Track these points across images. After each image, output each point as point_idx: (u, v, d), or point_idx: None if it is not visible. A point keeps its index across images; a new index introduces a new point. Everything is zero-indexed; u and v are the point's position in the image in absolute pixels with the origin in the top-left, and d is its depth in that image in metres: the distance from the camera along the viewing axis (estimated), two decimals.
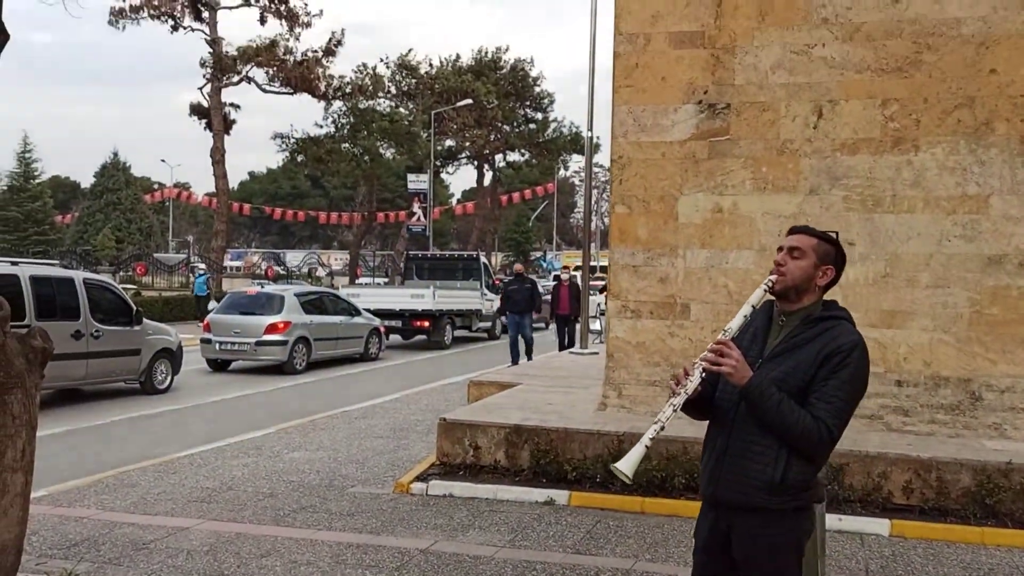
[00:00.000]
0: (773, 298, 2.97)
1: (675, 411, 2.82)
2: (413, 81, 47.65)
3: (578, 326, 16.25)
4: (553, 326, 17.19)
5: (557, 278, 19.89)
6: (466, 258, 26.19)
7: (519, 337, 16.17)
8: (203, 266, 32.46)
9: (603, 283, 19.37)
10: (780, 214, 8.00)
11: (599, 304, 21.91)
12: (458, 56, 51.05)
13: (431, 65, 48.78)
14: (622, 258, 8.43)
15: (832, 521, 5.97)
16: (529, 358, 15.85)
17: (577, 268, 21.01)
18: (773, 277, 2.89)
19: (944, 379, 7.65)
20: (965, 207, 7.66)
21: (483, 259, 25.76)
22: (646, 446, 2.82)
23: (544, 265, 61.27)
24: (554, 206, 71.03)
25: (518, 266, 18.43)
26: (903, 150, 7.78)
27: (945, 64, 7.68)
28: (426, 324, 20.78)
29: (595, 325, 16.43)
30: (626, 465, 2.79)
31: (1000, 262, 7.59)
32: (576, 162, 63.38)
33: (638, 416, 7.88)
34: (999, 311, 7.59)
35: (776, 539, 2.81)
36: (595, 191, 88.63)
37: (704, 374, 2.81)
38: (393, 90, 47.11)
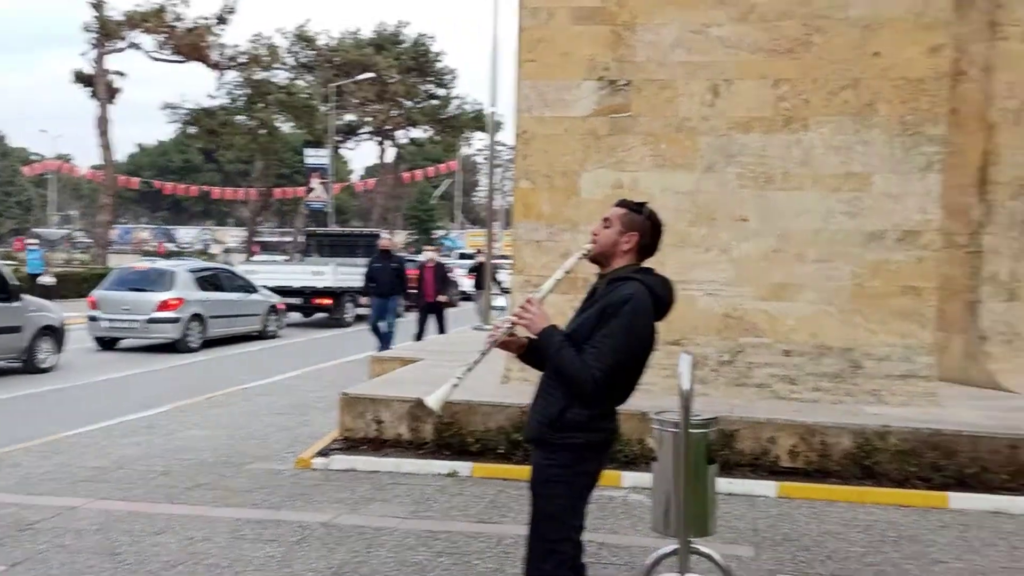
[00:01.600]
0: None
1: (483, 355, 3.26)
2: (312, 53, 46.62)
3: (447, 313, 15.03)
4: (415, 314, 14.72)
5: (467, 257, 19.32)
6: (368, 235, 25.88)
7: (381, 322, 13.86)
8: (36, 240, 29.79)
9: (472, 262, 19.03)
10: (678, 190, 8.19)
11: (501, 282, 22.01)
12: (358, 29, 50.29)
13: (330, 37, 47.84)
14: (526, 233, 8.49)
15: (723, 484, 6.17)
16: (387, 347, 13.62)
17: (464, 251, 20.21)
18: (588, 245, 3.27)
19: (828, 349, 8.01)
20: (849, 185, 8.00)
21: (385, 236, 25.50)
22: (454, 384, 3.25)
23: (448, 244, 61.07)
24: (458, 184, 70.77)
25: (382, 242, 15.10)
26: (793, 129, 8.07)
27: (832, 46, 7.98)
28: (327, 302, 20.48)
29: (499, 301, 16.51)
30: (433, 400, 3.23)
31: (880, 238, 7.96)
32: (480, 140, 63.39)
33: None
34: (879, 284, 7.98)
35: (551, 471, 3.18)
36: (498, 169, 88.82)
37: (510, 326, 3.24)
38: (291, 61, 46.01)
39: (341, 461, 7.05)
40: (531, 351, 3.33)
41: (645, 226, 3.25)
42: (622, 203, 3.33)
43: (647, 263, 3.32)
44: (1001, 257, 9.06)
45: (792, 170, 8.07)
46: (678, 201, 8.17)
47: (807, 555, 5.21)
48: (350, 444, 7.43)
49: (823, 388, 7.91)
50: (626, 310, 3.07)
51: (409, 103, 52.64)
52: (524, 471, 6.69)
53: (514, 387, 8.12)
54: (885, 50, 7.92)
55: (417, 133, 57.35)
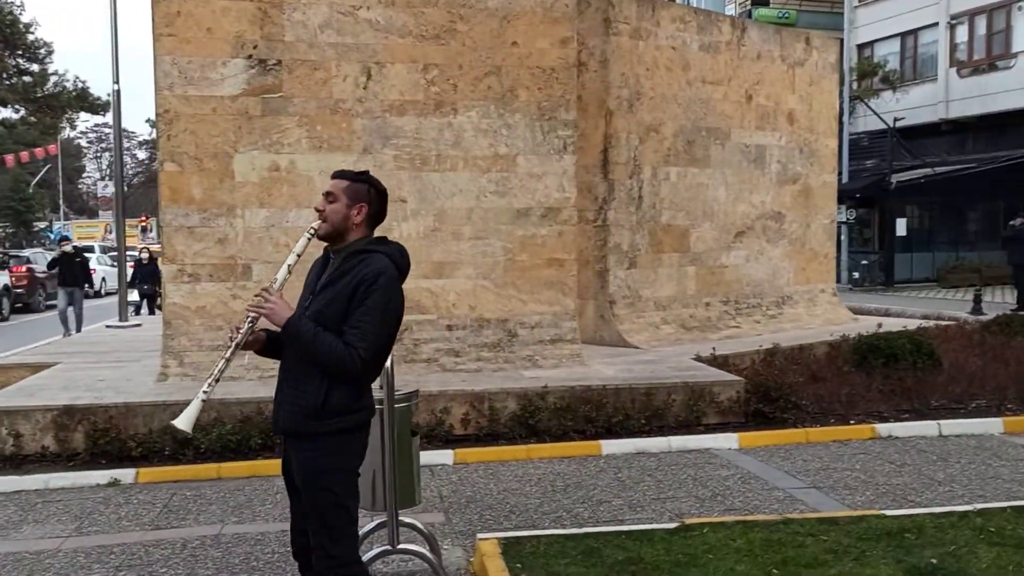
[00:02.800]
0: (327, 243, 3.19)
1: (227, 363, 3.01)
2: None
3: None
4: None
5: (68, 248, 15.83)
6: None
7: None
8: None
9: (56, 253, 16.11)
10: None
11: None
12: None
13: None
14: (175, 219, 7.94)
15: None
16: None
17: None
18: (316, 224, 3.12)
19: (487, 320, 8.53)
20: (497, 166, 8.55)
21: None
22: (202, 400, 3.01)
23: (52, 237, 54.77)
24: (59, 170, 63.57)
25: None
26: (444, 112, 8.42)
27: (476, 34, 8.45)
28: None
29: (133, 296, 15.22)
30: (183, 421, 3.00)
31: (527, 214, 8.63)
32: (84, 121, 57.51)
33: (204, 382, 7.54)
34: (527, 257, 8.64)
35: (324, 460, 3.04)
36: (107, 154, 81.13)
37: (252, 323, 3.02)
38: None
39: None
40: (269, 344, 3.14)
41: (371, 195, 3.14)
42: (341, 174, 3.17)
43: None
44: (622, 229, 10.25)
45: (445, 152, 8.42)
46: None
47: (493, 513, 5.54)
48: None
49: (484, 358, 8.40)
50: (380, 285, 2.97)
51: None
52: (196, 470, 6.39)
53: (174, 384, 7.62)
54: (521, 40, 8.55)
55: (7, 113, 50.52)
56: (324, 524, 3.06)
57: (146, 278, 17.25)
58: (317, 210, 3.12)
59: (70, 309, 15.05)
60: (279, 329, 3.03)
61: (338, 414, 3.01)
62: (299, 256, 3.13)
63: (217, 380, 3.02)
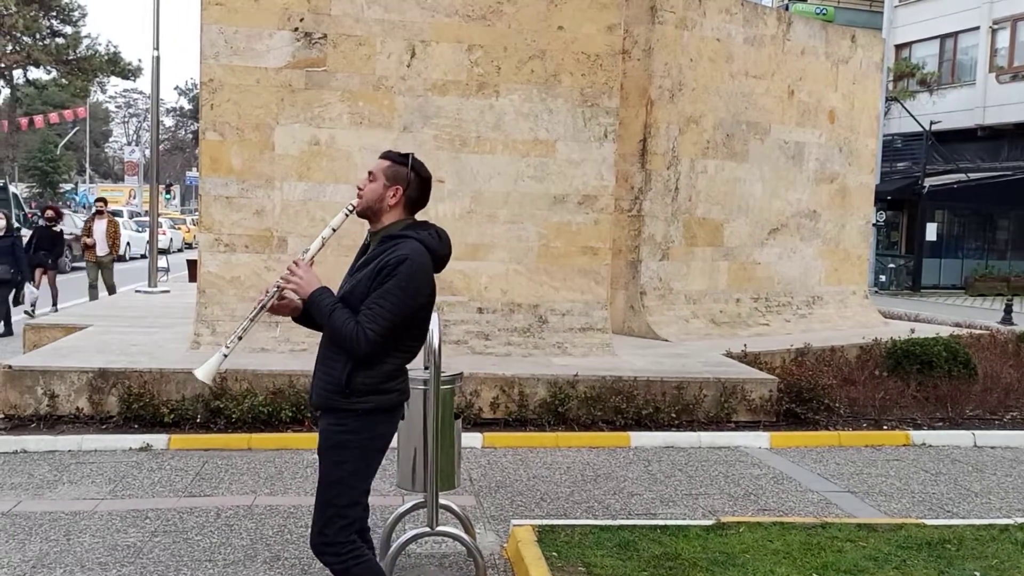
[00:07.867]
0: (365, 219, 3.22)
1: (251, 322, 3.09)
2: None
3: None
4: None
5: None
6: None
7: None
8: None
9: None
10: (376, 149, 8.06)
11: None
12: None
13: None
14: (214, 188, 7.95)
15: None
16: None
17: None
18: (354, 201, 3.15)
19: (518, 305, 8.50)
20: (537, 150, 8.49)
21: (12, 189, 22.48)
22: (224, 355, 3.12)
23: (77, 199, 55.19)
24: (87, 133, 63.96)
25: None
26: (486, 94, 8.36)
27: (522, 16, 8.37)
28: None
29: (162, 263, 15.28)
30: (203, 372, 3.09)
31: (563, 201, 8.57)
32: (114, 86, 57.72)
33: (236, 353, 7.55)
34: (561, 244, 8.60)
35: (343, 436, 3.08)
36: (135, 120, 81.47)
37: (278, 290, 3.09)
38: None
39: (7, 442, 6.18)
40: (306, 314, 3.17)
41: (410, 178, 3.13)
42: (386, 155, 3.18)
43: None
44: (657, 220, 10.17)
45: (485, 134, 8.37)
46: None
47: (523, 499, 5.53)
48: (16, 423, 6.55)
49: (514, 342, 8.38)
50: (402, 271, 2.97)
51: (28, 40, 46.32)
52: (228, 439, 6.41)
53: (206, 353, 7.61)
54: (568, 25, 8.47)
55: (39, 74, 50.81)
56: (326, 500, 3.10)
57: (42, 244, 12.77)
58: (358, 187, 3.16)
59: None
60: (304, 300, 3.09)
61: (364, 394, 3.04)
62: (334, 230, 3.17)
63: (240, 338, 3.08)
